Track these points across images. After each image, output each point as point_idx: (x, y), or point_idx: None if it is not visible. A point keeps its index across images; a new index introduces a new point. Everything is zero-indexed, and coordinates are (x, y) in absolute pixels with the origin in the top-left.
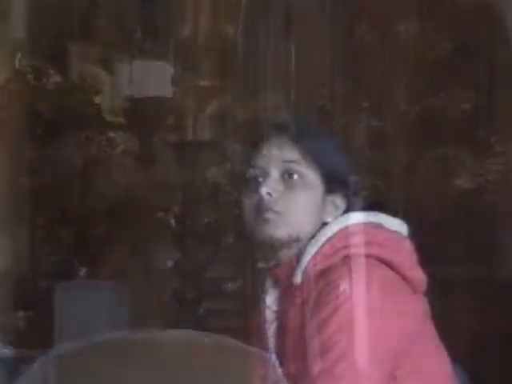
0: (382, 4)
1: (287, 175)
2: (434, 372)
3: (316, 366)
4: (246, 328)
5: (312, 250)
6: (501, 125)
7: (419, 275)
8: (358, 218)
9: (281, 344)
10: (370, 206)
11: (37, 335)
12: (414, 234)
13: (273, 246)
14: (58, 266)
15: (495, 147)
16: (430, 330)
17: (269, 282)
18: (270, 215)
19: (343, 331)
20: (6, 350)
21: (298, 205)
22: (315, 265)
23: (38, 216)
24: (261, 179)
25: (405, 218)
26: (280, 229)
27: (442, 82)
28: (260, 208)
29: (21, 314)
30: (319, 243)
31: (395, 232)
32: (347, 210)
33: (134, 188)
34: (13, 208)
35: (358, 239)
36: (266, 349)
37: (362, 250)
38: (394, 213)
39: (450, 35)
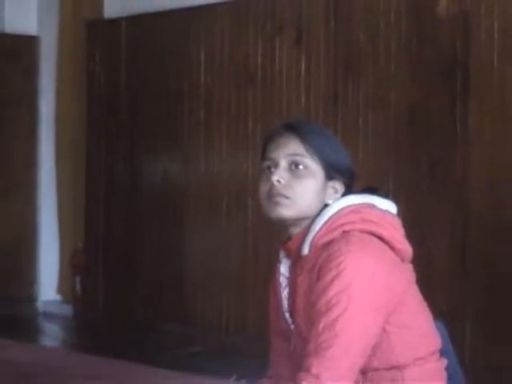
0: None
1: (294, 166)
2: (420, 326)
3: (320, 323)
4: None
5: (316, 226)
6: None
7: (406, 247)
8: (354, 199)
9: (292, 304)
10: (365, 190)
11: (89, 297)
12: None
13: (283, 224)
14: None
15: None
16: (415, 292)
17: (282, 254)
18: (280, 199)
19: (343, 293)
20: (66, 308)
21: (303, 190)
22: (319, 239)
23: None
24: (272, 169)
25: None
26: (288, 210)
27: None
28: (272, 193)
29: (77, 279)
30: (322, 221)
31: (386, 211)
32: (345, 193)
33: None
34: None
35: (354, 217)
36: (280, 308)
37: (358, 226)
38: (385, 195)
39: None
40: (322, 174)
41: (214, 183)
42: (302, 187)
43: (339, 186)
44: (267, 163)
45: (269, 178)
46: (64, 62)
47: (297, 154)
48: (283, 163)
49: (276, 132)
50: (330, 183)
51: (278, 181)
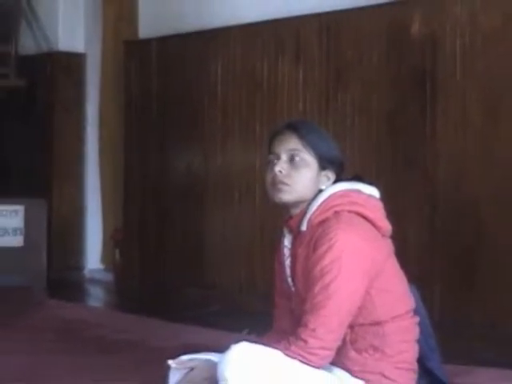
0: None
1: (292, 158)
2: (397, 290)
3: (316, 287)
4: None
5: (313, 208)
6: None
7: (386, 225)
8: (344, 186)
9: (293, 271)
10: (353, 178)
11: (126, 266)
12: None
13: (285, 206)
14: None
15: None
16: (393, 261)
17: (285, 230)
18: (281, 186)
19: (334, 262)
20: (108, 275)
21: (300, 178)
22: (315, 218)
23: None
24: (275, 162)
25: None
26: (288, 194)
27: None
28: (275, 181)
29: (117, 252)
30: (318, 203)
31: (370, 195)
32: (337, 180)
33: None
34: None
35: (344, 200)
36: (283, 274)
37: (346, 208)
38: (369, 183)
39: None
40: (316, 164)
41: (229, 174)
42: (299, 176)
43: (331, 175)
44: (271, 157)
45: (272, 169)
46: (106, 75)
47: (295, 149)
48: (284, 157)
49: (279, 131)
50: (323, 172)
51: (280, 171)
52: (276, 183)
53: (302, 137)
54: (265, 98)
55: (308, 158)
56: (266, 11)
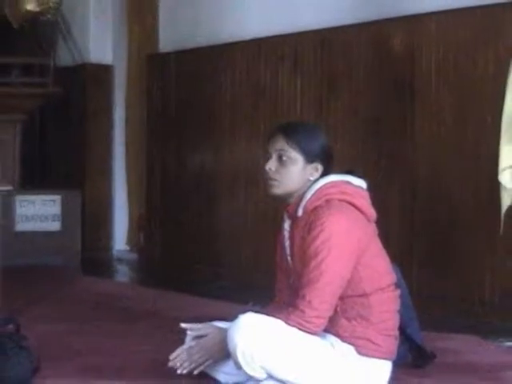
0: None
1: (280, 157)
2: (380, 266)
3: (311, 264)
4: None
5: (307, 196)
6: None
7: (372, 212)
8: (336, 177)
9: (292, 250)
10: (346, 172)
11: (149, 247)
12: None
13: (277, 198)
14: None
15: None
16: (377, 242)
17: (285, 215)
18: (271, 182)
19: (325, 243)
20: (133, 255)
21: (286, 174)
22: (309, 205)
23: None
24: (268, 160)
25: None
26: (277, 189)
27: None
28: (267, 177)
29: (141, 235)
30: (312, 192)
31: (359, 186)
32: (328, 173)
33: None
34: None
35: (334, 190)
36: (284, 253)
37: (337, 197)
38: (359, 176)
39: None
40: (302, 160)
41: (236, 168)
42: (286, 172)
43: (319, 166)
44: (267, 155)
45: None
46: (131, 84)
47: (282, 149)
48: (274, 156)
49: (271, 133)
50: (311, 165)
51: (270, 168)
52: (267, 179)
53: (288, 137)
54: (267, 104)
55: (294, 156)
56: (267, 28)
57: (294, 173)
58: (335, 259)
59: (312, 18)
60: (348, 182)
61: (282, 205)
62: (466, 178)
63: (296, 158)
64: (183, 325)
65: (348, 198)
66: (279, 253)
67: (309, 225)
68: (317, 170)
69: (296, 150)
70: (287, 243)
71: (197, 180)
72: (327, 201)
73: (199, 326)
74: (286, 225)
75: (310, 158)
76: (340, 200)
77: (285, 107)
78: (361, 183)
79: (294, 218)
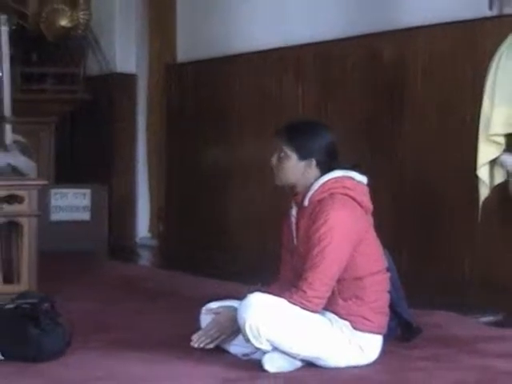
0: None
1: (279, 154)
2: (374, 253)
3: (314, 250)
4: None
5: (314, 188)
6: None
7: (369, 205)
8: (340, 173)
9: (297, 233)
10: (352, 167)
11: (167, 235)
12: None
13: (282, 187)
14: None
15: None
16: (372, 232)
17: (293, 203)
18: (275, 175)
19: (328, 232)
20: (154, 242)
21: (282, 170)
22: (315, 197)
23: None
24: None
25: None
26: (277, 180)
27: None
28: (272, 171)
29: (160, 225)
30: (318, 185)
31: (360, 182)
32: (333, 167)
33: None
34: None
35: (338, 185)
36: (291, 236)
37: (340, 191)
38: (361, 172)
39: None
40: (295, 156)
41: (246, 163)
42: (281, 167)
43: (313, 162)
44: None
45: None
46: (152, 90)
47: (279, 147)
48: (276, 152)
49: (275, 132)
50: (305, 161)
51: (272, 163)
52: (273, 173)
53: (285, 136)
54: (272, 107)
55: (288, 152)
56: (273, 41)
57: (287, 168)
58: (335, 247)
59: (312, 32)
60: (351, 178)
61: (287, 195)
62: (448, 172)
63: (289, 154)
64: (203, 310)
65: (349, 193)
66: (286, 235)
67: (314, 215)
68: (311, 165)
69: (290, 147)
70: (294, 228)
71: (210, 175)
72: (331, 194)
73: (213, 304)
74: (293, 211)
75: (303, 155)
76: (342, 194)
77: (287, 110)
78: (362, 179)
79: (301, 207)
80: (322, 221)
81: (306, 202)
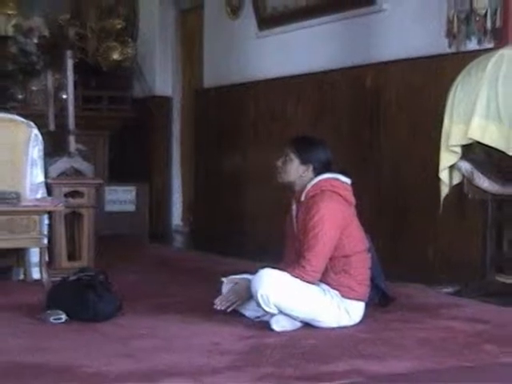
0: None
1: (284, 158)
2: (358, 236)
3: (309, 235)
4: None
5: (308, 187)
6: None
7: (352, 200)
8: (329, 175)
9: (297, 223)
10: (339, 172)
11: (197, 224)
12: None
13: (284, 185)
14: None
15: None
16: (356, 221)
17: (293, 200)
18: (278, 174)
19: (319, 220)
20: (185, 229)
21: (285, 170)
22: (309, 193)
23: None
24: (279, 159)
25: None
26: (280, 179)
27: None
28: (277, 171)
29: (191, 216)
30: (311, 184)
31: (345, 182)
32: (325, 172)
33: None
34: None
35: (327, 184)
36: (293, 226)
37: (329, 188)
38: (347, 175)
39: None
40: (297, 161)
41: (257, 168)
42: (285, 168)
43: (311, 167)
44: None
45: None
46: (184, 110)
47: (286, 152)
48: (282, 156)
49: (286, 141)
50: (304, 166)
51: (277, 165)
52: (278, 173)
53: (292, 144)
54: (279, 125)
55: (292, 157)
56: (279, 72)
57: (289, 169)
58: (327, 231)
59: (309, 64)
60: (337, 179)
61: (289, 193)
62: (416, 174)
63: (293, 159)
64: (223, 278)
65: (336, 190)
66: (288, 225)
67: (308, 207)
68: (308, 170)
69: (295, 153)
70: (294, 219)
71: (229, 176)
72: (321, 191)
73: (232, 277)
74: (294, 207)
75: (303, 161)
76: (330, 191)
77: (290, 127)
78: (347, 180)
79: (299, 202)
80: (314, 211)
81: (303, 198)
